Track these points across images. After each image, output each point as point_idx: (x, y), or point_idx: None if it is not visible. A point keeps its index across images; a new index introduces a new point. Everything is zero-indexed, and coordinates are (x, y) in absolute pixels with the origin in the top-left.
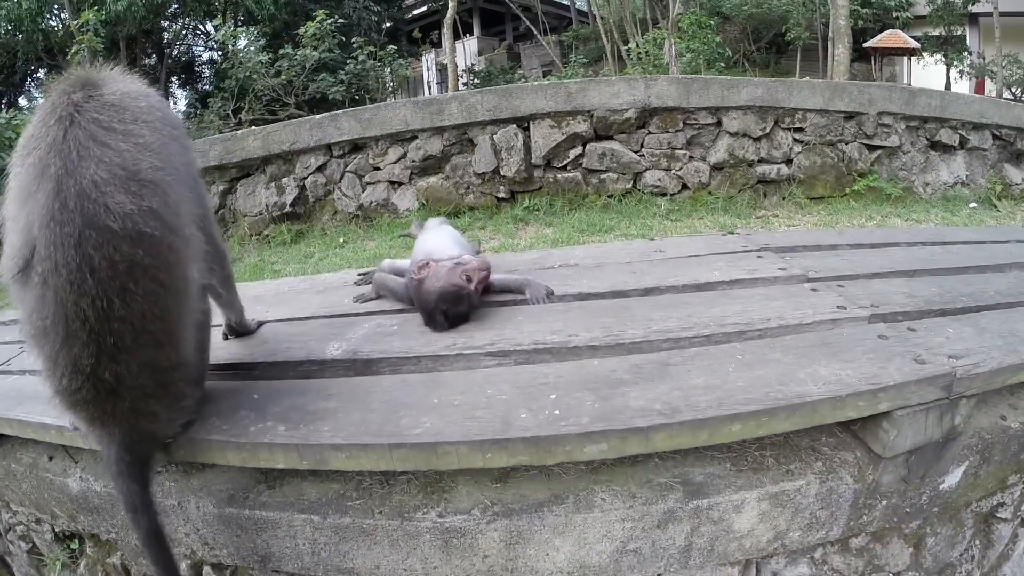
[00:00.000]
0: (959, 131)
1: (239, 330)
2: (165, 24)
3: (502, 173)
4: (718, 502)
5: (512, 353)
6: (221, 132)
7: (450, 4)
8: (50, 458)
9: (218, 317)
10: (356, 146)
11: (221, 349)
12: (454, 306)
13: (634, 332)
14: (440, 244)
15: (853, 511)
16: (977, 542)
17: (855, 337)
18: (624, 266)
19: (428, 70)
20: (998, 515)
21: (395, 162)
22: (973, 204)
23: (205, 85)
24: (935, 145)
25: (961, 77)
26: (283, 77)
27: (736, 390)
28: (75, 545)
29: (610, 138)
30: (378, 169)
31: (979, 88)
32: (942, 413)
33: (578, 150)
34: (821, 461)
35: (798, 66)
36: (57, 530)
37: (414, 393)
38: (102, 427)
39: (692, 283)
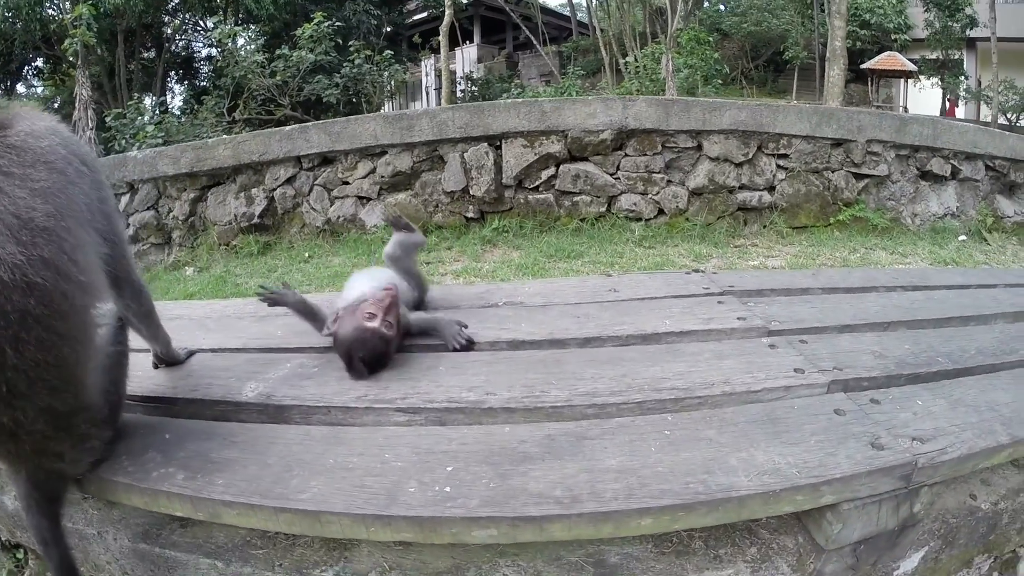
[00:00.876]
0: (951, 161)
1: (167, 360)
2: (165, 19)
3: (472, 192)
4: None
5: (423, 410)
6: (215, 129)
7: (447, 12)
8: None
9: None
10: (326, 159)
11: (148, 379)
12: (369, 351)
13: (557, 394)
14: (356, 285)
15: None
16: None
17: (807, 410)
18: (571, 307)
19: (427, 75)
20: None
21: (364, 177)
22: (963, 237)
23: (202, 81)
24: (926, 175)
25: (958, 102)
26: (279, 78)
27: (652, 477)
28: (20, 555)
29: (585, 159)
30: (347, 183)
31: (951, 111)
32: (899, 503)
33: (551, 171)
34: (756, 547)
35: (795, 85)
36: (2, 539)
37: (313, 449)
38: (9, 465)
39: (637, 333)
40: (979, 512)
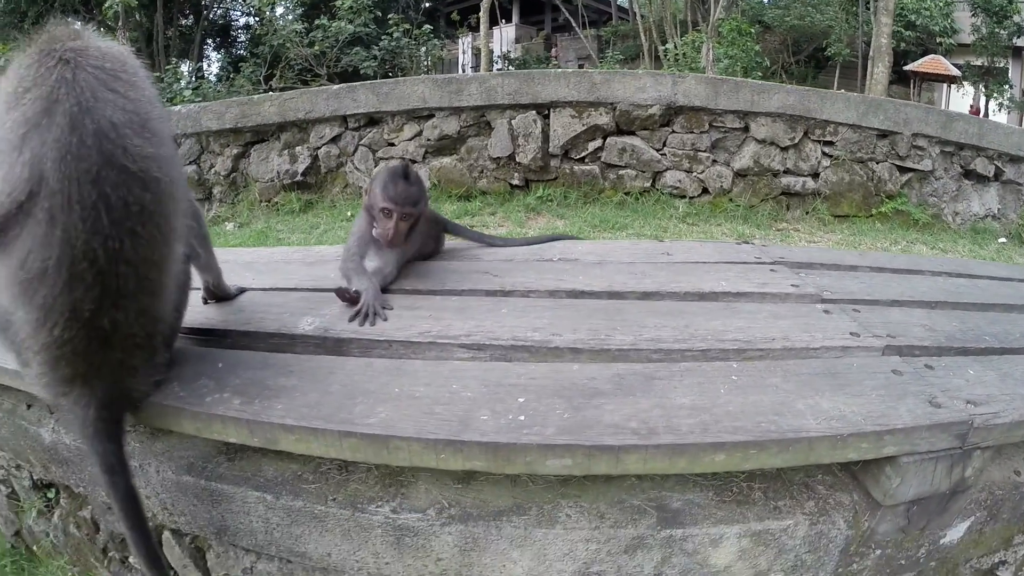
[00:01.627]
0: (995, 162)
1: (218, 293)
2: None
3: (518, 159)
4: (694, 534)
5: (488, 347)
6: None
7: None
8: (28, 406)
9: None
10: (372, 120)
11: (198, 313)
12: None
13: (623, 338)
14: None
15: (843, 558)
16: None
17: (866, 369)
18: (626, 266)
19: (464, 53)
20: (998, 573)
21: (410, 139)
22: (1003, 239)
23: (239, 50)
24: (969, 174)
25: (1000, 110)
26: (316, 48)
27: (725, 416)
28: (51, 495)
29: (632, 133)
30: (392, 145)
31: (974, 113)
32: (952, 463)
33: (598, 143)
34: (814, 500)
35: (836, 82)
36: (35, 478)
37: (377, 379)
38: (83, 384)
39: (695, 291)
40: (1023, 487)
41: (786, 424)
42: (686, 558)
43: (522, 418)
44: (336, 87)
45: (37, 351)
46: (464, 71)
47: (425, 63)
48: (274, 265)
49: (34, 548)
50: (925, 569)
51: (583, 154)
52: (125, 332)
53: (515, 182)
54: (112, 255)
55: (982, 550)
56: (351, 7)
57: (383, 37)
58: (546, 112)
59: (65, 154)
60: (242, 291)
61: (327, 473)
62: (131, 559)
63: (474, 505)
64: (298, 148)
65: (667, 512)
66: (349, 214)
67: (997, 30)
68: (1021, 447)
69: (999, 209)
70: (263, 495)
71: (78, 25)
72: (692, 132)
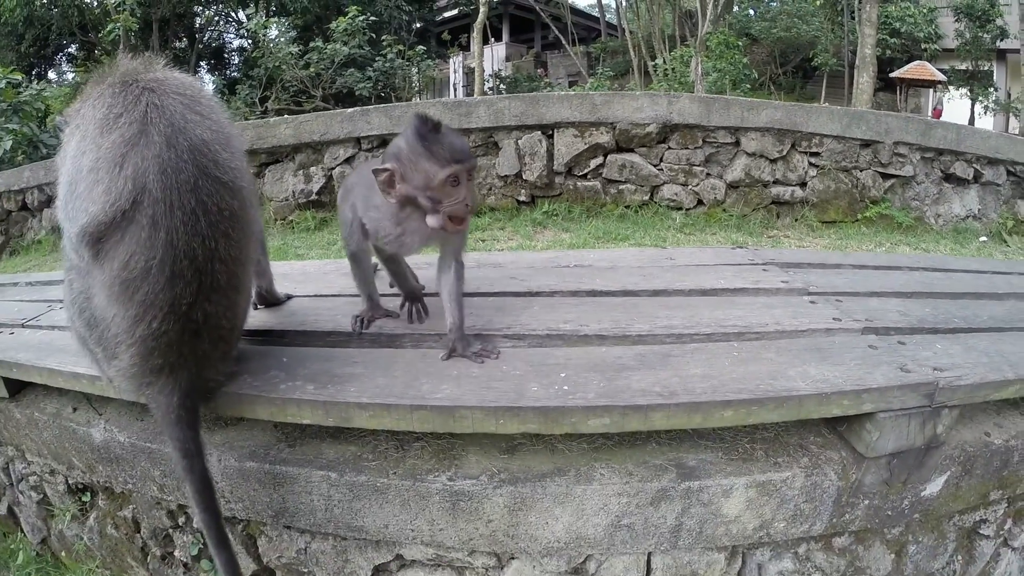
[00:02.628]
0: (974, 165)
1: (269, 299)
2: (198, 9)
3: (524, 177)
4: (708, 485)
5: (527, 336)
6: (247, 119)
7: (481, 8)
8: (74, 409)
9: None
10: (385, 141)
11: (251, 317)
12: None
13: (640, 326)
14: None
15: (836, 508)
16: (959, 557)
17: (846, 345)
18: (635, 269)
19: (455, 72)
20: (980, 532)
21: None
22: (984, 238)
23: (233, 72)
24: (949, 177)
25: (986, 112)
26: (312, 70)
27: (730, 381)
28: (86, 498)
29: (631, 150)
30: None
31: (936, 114)
32: (924, 420)
33: (599, 160)
34: (807, 457)
35: (823, 92)
36: (71, 482)
37: (434, 365)
38: (170, 374)
39: (698, 288)
40: (993, 446)
41: (780, 386)
42: (702, 508)
43: (566, 388)
44: (350, 111)
45: (131, 344)
46: (456, 90)
47: (416, 84)
48: (310, 276)
49: (62, 555)
50: (911, 522)
51: (586, 171)
52: (213, 324)
53: (522, 198)
54: (209, 254)
55: (961, 505)
56: (346, 29)
57: (377, 58)
58: (550, 132)
59: (165, 167)
60: (290, 297)
61: (385, 452)
62: (175, 553)
63: (520, 470)
64: (312, 168)
65: (685, 469)
66: None
67: (980, 34)
68: (990, 412)
69: (979, 209)
70: (327, 473)
71: (147, 58)
72: (687, 148)
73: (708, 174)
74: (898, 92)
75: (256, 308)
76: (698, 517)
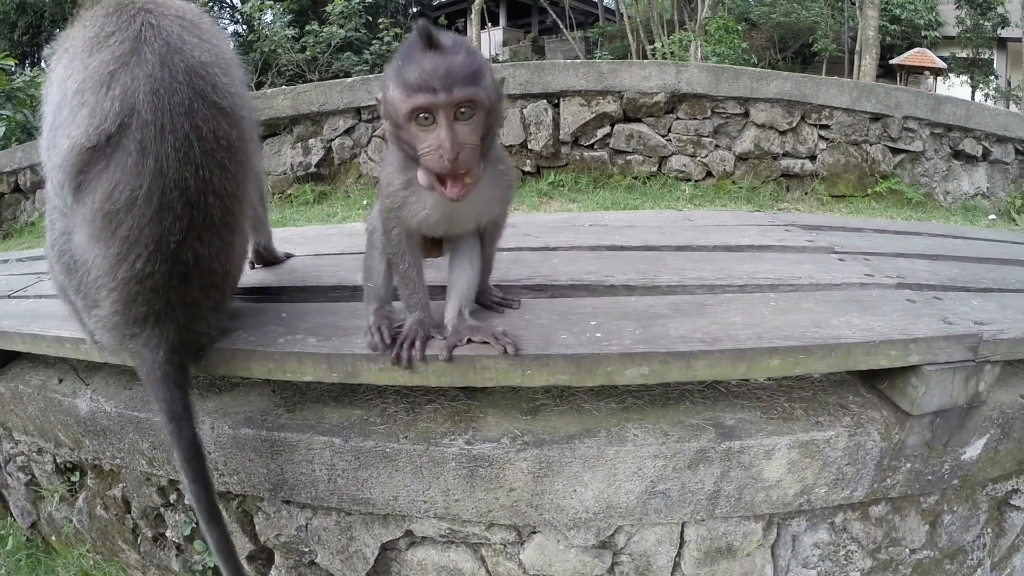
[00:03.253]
0: (983, 142)
1: (267, 256)
2: None
3: (530, 147)
4: (750, 445)
5: (548, 287)
6: None
7: None
8: (60, 380)
9: None
10: None
11: (248, 276)
12: None
13: (669, 277)
14: None
15: (877, 471)
16: (990, 529)
17: (884, 298)
18: (654, 228)
19: None
20: (1012, 502)
21: None
22: (992, 216)
23: None
24: (958, 154)
25: (986, 100)
26: (308, 53)
27: (773, 329)
28: (75, 478)
29: (638, 120)
30: None
31: None
32: (968, 376)
33: (606, 130)
34: (849, 416)
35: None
36: (59, 461)
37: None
38: (155, 325)
39: (722, 244)
40: None
41: (827, 333)
42: (742, 472)
43: (599, 335)
44: (350, 80)
45: (113, 288)
46: None
47: None
48: (310, 239)
49: (52, 539)
50: (948, 488)
51: (592, 141)
52: (205, 267)
53: (527, 169)
54: (202, 186)
55: (998, 471)
56: (342, 12)
57: (374, 41)
58: (556, 101)
59: (157, 87)
60: (289, 256)
61: (394, 415)
62: (167, 533)
63: (545, 432)
64: (311, 140)
65: (723, 428)
66: (365, 203)
67: (981, 22)
68: (1022, 375)
69: (988, 188)
70: (330, 439)
71: None
72: (695, 118)
73: (717, 145)
74: (898, 79)
75: (253, 267)
76: (738, 482)
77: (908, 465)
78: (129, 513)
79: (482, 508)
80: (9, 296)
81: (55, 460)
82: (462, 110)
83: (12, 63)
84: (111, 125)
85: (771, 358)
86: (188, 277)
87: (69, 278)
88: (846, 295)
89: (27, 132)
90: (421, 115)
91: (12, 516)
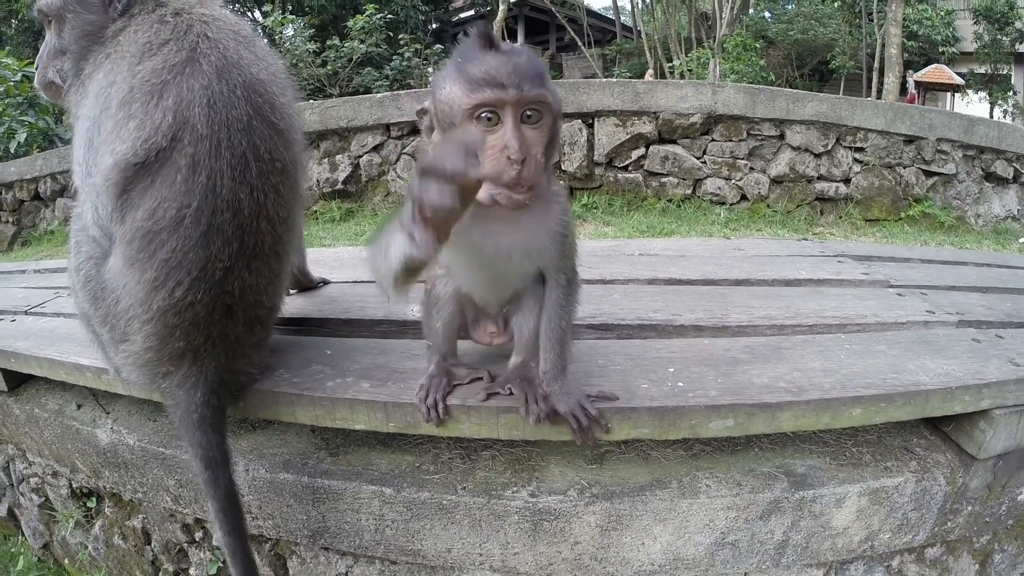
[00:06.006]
0: (1014, 164)
1: (303, 280)
2: None
3: (563, 167)
4: (823, 494)
5: (615, 327)
6: None
7: (500, 7)
8: (78, 406)
9: None
10: (415, 128)
11: (285, 303)
12: None
13: (738, 317)
14: None
15: (940, 515)
16: None
17: (951, 337)
18: (708, 259)
19: None
20: None
21: None
22: (1023, 240)
23: None
24: (989, 176)
25: (1004, 116)
26: (329, 68)
27: (854, 375)
28: (91, 504)
29: (673, 142)
30: None
31: (910, 100)
32: None
33: (641, 151)
34: (916, 461)
35: (841, 95)
36: (75, 485)
37: None
38: (193, 362)
39: (781, 279)
40: None
41: (906, 380)
42: (812, 520)
43: (680, 384)
44: (379, 96)
45: (147, 319)
46: None
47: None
48: (345, 262)
49: (65, 562)
50: (1002, 528)
51: (627, 162)
52: (251, 299)
53: None
54: (256, 209)
55: None
56: (363, 27)
57: (394, 57)
58: (591, 121)
59: (215, 100)
60: (325, 282)
61: (449, 463)
62: (190, 571)
63: (614, 483)
64: (338, 156)
65: (795, 476)
66: None
67: (999, 37)
68: None
69: (1019, 210)
70: (380, 489)
71: None
72: (731, 140)
73: (751, 168)
74: (916, 96)
75: (288, 294)
76: (807, 531)
77: (969, 508)
78: (149, 545)
79: (542, 561)
80: (26, 312)
81: (71, 484)
82: (528, 112)
83: (35, 70)
84: (162, 139)
85: (854, 407)
86: (232, 310)
87: (95, 307)
88: (914, 336)
89: (48, 139)
90: (485, 113)
91: (24, 535)
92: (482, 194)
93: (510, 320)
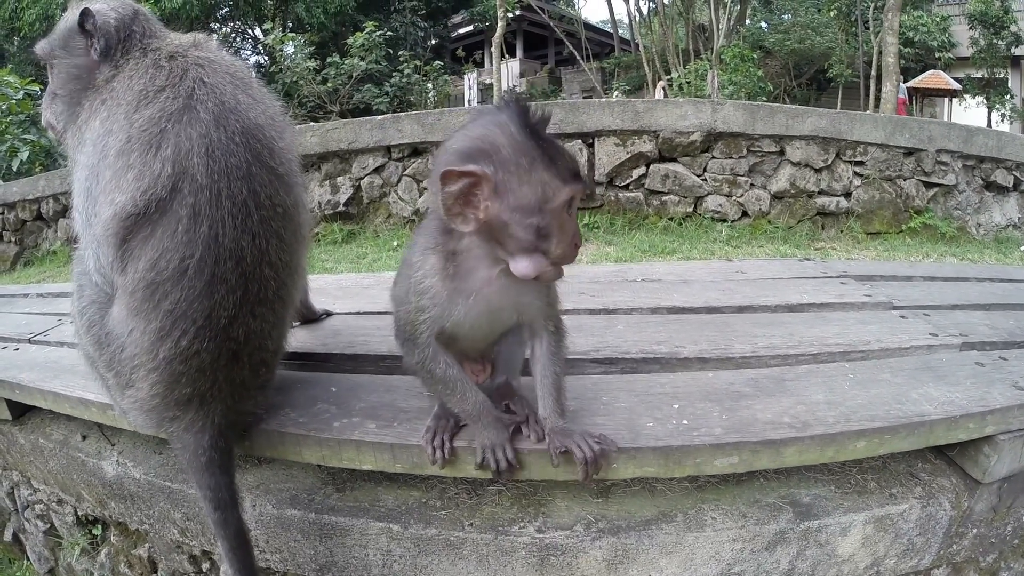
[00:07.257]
0: (1013, 172)
1: (305, 313)
2: (215, 26)
3: None
4: (828, 524)
5: (619, 361)
6: None
7: (499, 24)
8: (83, 437)
9: None
10: (416, 150)
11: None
12: None
13: (741, 347)
14: None
15: (946, 539)
16: None
17: (954, 363)
18: (710, 284)
19: (470, 89)
20: None
21: None
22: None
23: None
24: (989, 185)
25: (1003, 120)
26: (329, 85)
27: (858, 407)
28: (97, 531)
29: (674, 160)
30: None
31: (900, 107)
32: None
33: (641, 170)
34: (920, 486)
35: (839, 103)
36: (80, 513)
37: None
38: (200, 407)
39: (784, 304)
40: None
41: (909, 410)
42: (818, 550)
43: (685, 422)
44: (380, 118)
45: (153, 368)
46: (470, 106)
47: (433, 99)
48: (349, 291)
49: None
50: (1007, 548)
51: (627, 181)
52: (256, 344)
53: None
54: (259, 256)
55: None
56: (363, 44)
57: (394, 74)
58: (591, 141)
59: (213, 149)
60: (328, 314)
61: (456, 498)
62: None
63: (620, 517)
64: (340, 179)
65: (800, 507)
66: (395, 243)
67: (995, 41)
68: None
69: (1020, 218)
70: (388, 525)
71: (197, 36)
72: (731, 157)
73: (752, 184)
74: (913, 102)
75: (292, 327)
76: (812, 560)
77: (974, 531)
78: (155, 574)
79: None
80: (29, 340)
81: (76, 512)
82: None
83: (38, 88)
84: (162, 190)
85: (858, 441)
86: (238, 355)
87: (100, 352)
88: (917, 361)
89: (51, 157)
90: (571, 203)
91: (29, 560)
92: (527, 270)
93: (491, 354)
